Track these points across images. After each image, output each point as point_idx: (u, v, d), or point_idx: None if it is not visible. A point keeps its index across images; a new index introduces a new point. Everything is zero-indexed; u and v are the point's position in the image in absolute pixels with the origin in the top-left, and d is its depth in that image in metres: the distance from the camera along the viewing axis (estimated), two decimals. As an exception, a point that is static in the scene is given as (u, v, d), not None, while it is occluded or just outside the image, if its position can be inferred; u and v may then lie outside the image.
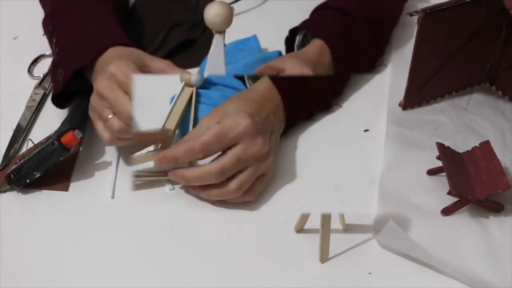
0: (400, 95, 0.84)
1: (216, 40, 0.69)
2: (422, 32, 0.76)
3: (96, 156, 0.80)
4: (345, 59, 0.83)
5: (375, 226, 0.69)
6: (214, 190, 0.71)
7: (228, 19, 0.67)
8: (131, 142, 0.74)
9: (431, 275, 0.66)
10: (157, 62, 0.77)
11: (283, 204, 0.74)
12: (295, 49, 0.87)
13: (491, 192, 0.68)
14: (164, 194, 0.75)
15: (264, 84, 0.77)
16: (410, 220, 0.70)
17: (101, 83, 0.73)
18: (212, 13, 0.67)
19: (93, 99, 0.74)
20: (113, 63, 0.73)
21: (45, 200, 0.75)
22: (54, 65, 0.82)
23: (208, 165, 0.69)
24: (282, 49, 0.89)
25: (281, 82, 0.77)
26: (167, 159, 0.70)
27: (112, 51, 0.77)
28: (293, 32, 0.87)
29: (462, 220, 0.70)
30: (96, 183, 0.76)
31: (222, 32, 0.69)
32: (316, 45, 0.82)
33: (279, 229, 0.71)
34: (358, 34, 0.85)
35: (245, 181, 0.70)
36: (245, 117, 0.70)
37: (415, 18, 0.76)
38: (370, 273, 0.66)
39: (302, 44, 0.86)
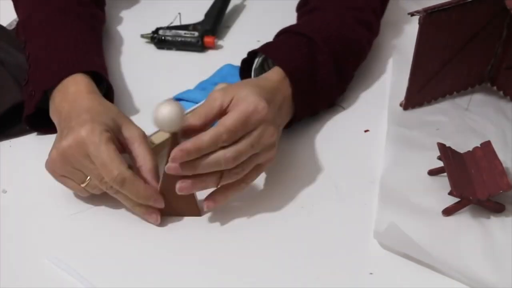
0: (401, 95, 0.84)
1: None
2: (424, 32, 0.76)
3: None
4: (306, 91, 0.78)
5: (376, 226, 0.69)
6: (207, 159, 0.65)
7: (178, 119, 0.64)
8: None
9: (431, 276, 0.66)
10: (130, 130, 0.71)
11: (283, 204, 0.73)
12: (252, 73, 0.81)
13: (492, 193, 0.68)
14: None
15: (277, 74, 0.75)
16: (411, 221, 0.69)
17: (67, 145, 0.67)
18: (160, 114, 0.63)
19: (55, 157, 0.68)
20: (85, 127, 0.67)
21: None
22: (26, 81, 0.79)
23: (222, 151, 0.65)
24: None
25: (294, 73, 0.75)
26: (190, 152, 0.64)
27: (84, 84, 0.74)
28: (252, 55, 0.82)
29: (463, 220, 0.70)
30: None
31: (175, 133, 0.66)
32: (277, 73, 0.76)
33: (279, 229, 0.71)
34: (323, 67, 0.79)
35: (244, 161, 0.67)
36: (264, 102, 0.67)
37: (415, 18, 0.76)
38: (371, 273, 0.66)
39: (261, 67, 0.82)
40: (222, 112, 0.67)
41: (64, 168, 0.69)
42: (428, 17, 0.75)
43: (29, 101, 0.77)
